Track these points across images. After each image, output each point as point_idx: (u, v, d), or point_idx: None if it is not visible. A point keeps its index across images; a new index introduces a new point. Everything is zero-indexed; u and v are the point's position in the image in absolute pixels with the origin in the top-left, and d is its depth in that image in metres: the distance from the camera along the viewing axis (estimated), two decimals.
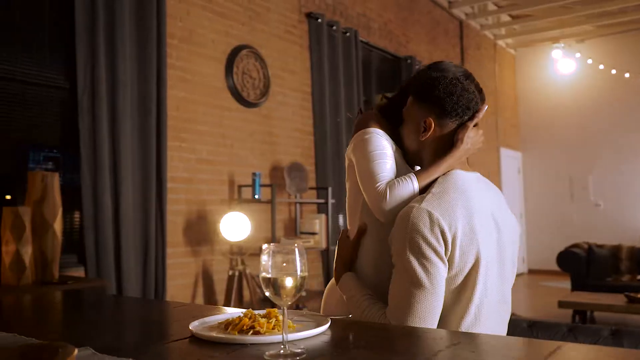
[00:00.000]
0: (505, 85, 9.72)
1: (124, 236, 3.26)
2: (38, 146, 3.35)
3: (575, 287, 6.09)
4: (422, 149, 1.46)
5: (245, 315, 1.11)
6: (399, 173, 1.45)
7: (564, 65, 9.47)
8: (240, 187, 4.21)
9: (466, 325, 1.31)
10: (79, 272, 3.17)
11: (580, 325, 2.40)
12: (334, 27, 5.29)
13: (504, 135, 9.44)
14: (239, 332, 1.05)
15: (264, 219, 4.29)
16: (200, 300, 3.89)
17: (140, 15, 3.50)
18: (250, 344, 0.99)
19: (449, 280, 1.30)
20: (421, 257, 1.27)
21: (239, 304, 3.88)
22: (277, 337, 1.00)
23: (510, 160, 9.63)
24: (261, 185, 4.09)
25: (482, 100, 1.58)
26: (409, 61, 6.51)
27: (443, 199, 1.32)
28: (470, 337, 1.09)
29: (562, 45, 9.41)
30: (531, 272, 9.77)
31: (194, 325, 1.09)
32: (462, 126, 1.41)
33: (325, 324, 1.09)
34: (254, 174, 4.06)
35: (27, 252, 2.63)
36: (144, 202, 3.43)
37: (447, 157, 1.40)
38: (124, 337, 1.16)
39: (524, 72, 10.14)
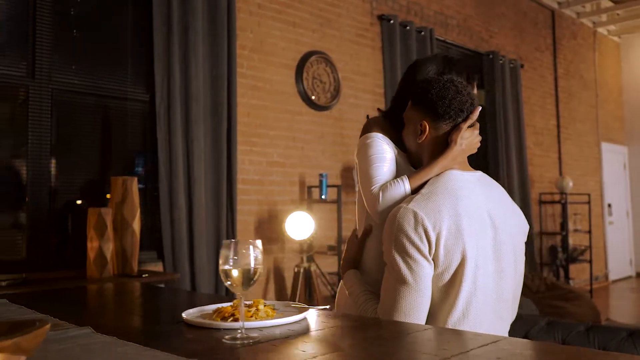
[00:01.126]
0: (607, 75, 9.08)
1: (197, 234, 3.54)
2: (133, 153, 3.75)
3: None
4: (421, 150, 1.51)
5: (232, 304, 1.25)
6: (402, 175, 1.51)
7: None
8: (309, 187, 4.38)
9: (453, 321, 1.35)
10: (158, 267, 3.51)
11: None
12: (408, 27, 5.30)
13: (605, 128, 8.82)
14: (221, 319, 1.19)
15: (332, 218, 4.42)
16: (271, 295, 4.11)
17: (212, 31, 3.78)
18: (223, 328, 1.12)
19: (436, 277, 1.35)
20: (405, 255, 1.33)
21: (305, 300, 4.04)
22: (250, 324, 1.13)
23: (613, 155, 8.97)
24: (329, 186, 4.23)
25: (473, 80, 1.59)
26: (490, 56, 6.33)
27: (430, 199, 1.37)
28: (432, 331, 1.14)
29: None
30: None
31: (187, 312, 1.24)
32: (456, 128, 1.45)
33: (302, 314, 1.21)
34: (320, 175, 4.21)
35: (109, 248, 2.97)
36: (216, 203, 3.70)
37: (440, 159, 1.45)
38: (133, 321, 1.35)
39: (630, 60, 9.40)
